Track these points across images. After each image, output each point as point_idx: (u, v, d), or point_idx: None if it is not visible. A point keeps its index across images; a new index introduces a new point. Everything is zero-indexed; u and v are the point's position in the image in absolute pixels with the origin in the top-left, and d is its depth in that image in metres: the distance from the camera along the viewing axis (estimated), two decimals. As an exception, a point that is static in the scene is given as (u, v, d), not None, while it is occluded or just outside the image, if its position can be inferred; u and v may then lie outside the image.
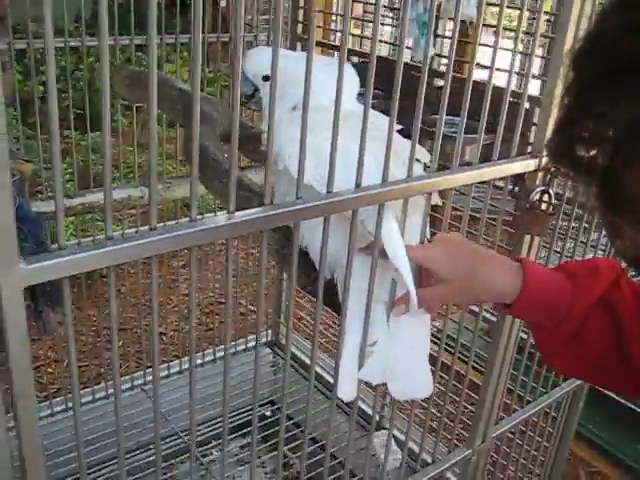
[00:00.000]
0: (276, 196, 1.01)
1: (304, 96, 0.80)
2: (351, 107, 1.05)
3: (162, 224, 2.35)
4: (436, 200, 1.11)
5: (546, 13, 2.49)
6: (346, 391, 1.10)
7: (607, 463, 2.94)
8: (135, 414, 2.28)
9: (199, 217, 0.72)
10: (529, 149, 1.26)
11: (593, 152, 0.56)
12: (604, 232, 1.06)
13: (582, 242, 1.54)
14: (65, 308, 0.73)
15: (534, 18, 1.87)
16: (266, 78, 1.21)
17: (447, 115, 1.05)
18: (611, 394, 3.03)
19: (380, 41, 3.73)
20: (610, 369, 1.00)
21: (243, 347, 2.70)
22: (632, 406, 3.01)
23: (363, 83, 0.94)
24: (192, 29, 0.70)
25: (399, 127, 1.06)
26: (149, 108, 0.66)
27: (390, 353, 1.09)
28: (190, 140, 1.23)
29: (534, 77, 1.39)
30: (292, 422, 2.42)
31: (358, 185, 0.88)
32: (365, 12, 2.60)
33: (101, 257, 0.68)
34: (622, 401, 3.04)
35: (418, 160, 1.04)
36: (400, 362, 1.09)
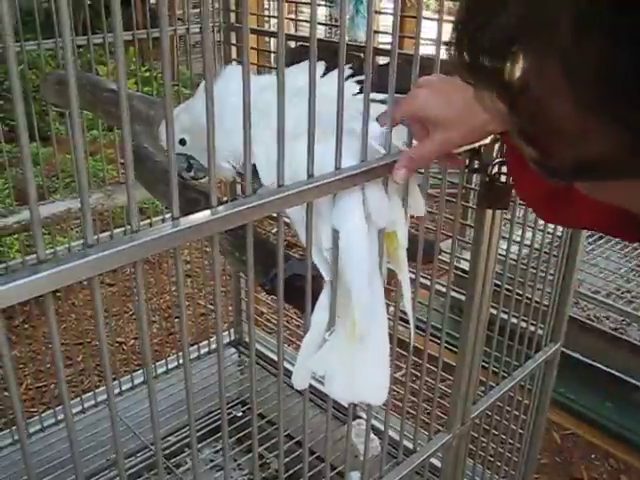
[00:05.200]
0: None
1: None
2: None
3: (108, 233, 2.28)
4: None
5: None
6: (297, 378, 1.00)
7: (579, 424, 2.98)
8: (102, 431, 2.20)
9: (141, 226, 0.66)
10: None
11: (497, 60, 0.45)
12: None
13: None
14: (50, 326, 0.67)
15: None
16: (182, 142, 1.08)
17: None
18: (577, 355, 3.08)
19: (317, 23, 3.67)
20: None
21: (207, 349, 2.62)
22: (597, 364, 3.06)
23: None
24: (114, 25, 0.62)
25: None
26: (71, 117, 0.59)
27: (342, 346, 0.99)
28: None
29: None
30: (265, 420, 2.36)
31: (311, 175, 0.82)
32: (298, -5, 2.53)
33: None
34: (588, 361, 3.08)
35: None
36: (350, 358, 0.99)
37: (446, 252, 1.35)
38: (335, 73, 0.89)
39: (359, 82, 0.99)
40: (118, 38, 0.64)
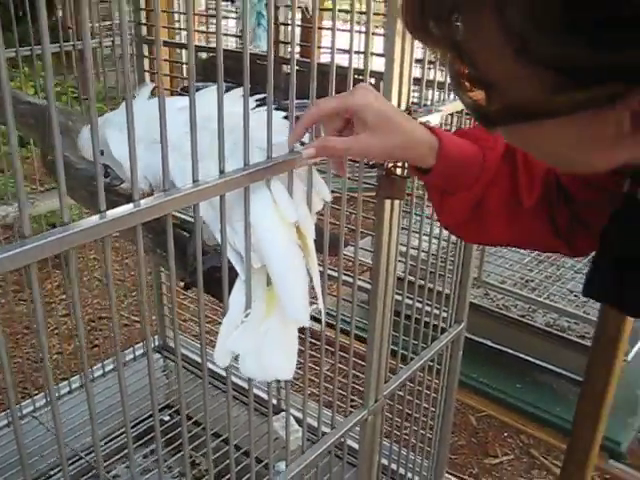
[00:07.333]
0: None
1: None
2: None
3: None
4: None
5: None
6: (220, 357, 1.08)
7: (493, 406, 3.16)
8: (29, 443, 2.21)
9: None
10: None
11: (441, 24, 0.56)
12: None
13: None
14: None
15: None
16: (101, 152, 1.16)
17: (298, 99, 1.11)
18: (488, 342, 3.27)
19: (226, 34, 3.76)
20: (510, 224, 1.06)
21: (132, 356, 2.66)
22: (507, 350, 3.26)
23: (213, 79, 0.97)
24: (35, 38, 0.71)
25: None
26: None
27: (255, 327, 1.08)
28: (49, 152, 1.22)
29: (373, 54, 1.47)
30: (192, 421, 2.42)
31: (222, 171, 0.92)
32: (208, 8, 2.62)
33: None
34: (498, 347, 3.28)
35: None
36: (261, 338, 1.08)
37: (351, 245, 1.46)
38: (235, 92, 1.01)
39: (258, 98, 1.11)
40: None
